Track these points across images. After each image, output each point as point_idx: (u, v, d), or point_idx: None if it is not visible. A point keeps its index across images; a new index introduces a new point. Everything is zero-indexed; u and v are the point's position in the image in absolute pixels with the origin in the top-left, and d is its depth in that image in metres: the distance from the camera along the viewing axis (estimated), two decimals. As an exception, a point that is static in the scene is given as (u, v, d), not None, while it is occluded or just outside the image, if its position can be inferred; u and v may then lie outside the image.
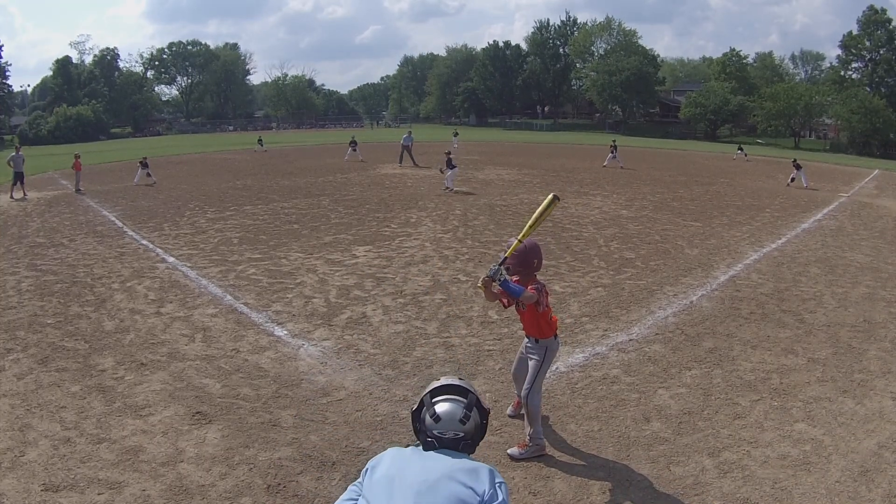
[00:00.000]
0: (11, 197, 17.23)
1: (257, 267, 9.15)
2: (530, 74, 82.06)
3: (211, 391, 5.13)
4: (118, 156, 34.35)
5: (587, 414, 4.82)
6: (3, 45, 78.31)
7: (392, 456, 2.16)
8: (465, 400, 2.24)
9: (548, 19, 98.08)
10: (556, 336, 4.26)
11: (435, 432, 2.20)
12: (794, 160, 22.64)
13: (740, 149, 36.76)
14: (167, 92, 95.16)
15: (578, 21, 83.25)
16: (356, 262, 9.46)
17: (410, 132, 28.70)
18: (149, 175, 20.80)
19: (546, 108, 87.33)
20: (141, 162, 21.46)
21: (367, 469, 2.15)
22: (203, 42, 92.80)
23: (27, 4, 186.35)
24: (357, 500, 2.11)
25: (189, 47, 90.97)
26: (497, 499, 2.03)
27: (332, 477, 3.95)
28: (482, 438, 2.29)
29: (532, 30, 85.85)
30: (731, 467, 4.10)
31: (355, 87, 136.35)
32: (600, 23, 77.30)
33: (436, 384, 2.30)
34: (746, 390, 5.25)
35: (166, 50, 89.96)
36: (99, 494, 3.74)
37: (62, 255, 10.08)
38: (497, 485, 2.07)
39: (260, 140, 37.85)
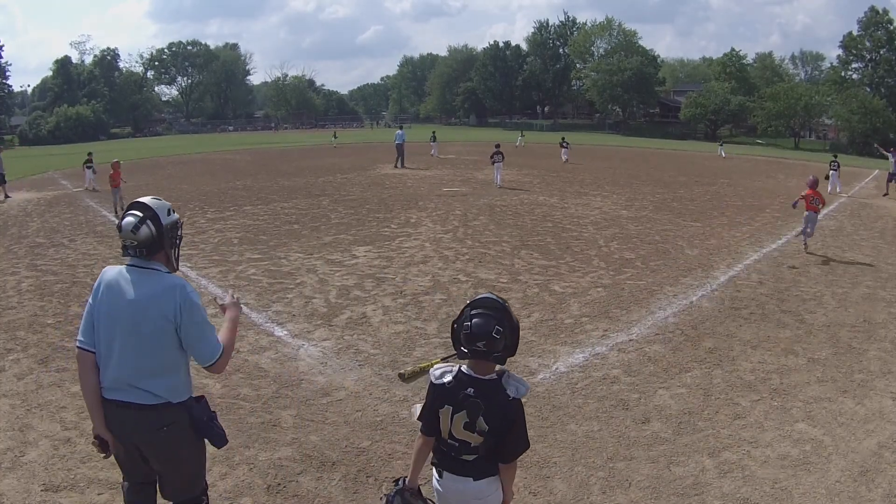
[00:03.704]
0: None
1: (257, 267, 9.15)
2: (530, 74, 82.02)
3: (211, 391, 5.12)
4: (119, 156, 34.27)
5: (587, 414, 4.82)
6: (3, 46, 78.32)
7: (108, 286, 2.59)
8: (140, 214, 2.57)
9: (547, 20, 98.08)
10: None
11: (121, 240, 2.60)
12: (835, 156, 21.32)
13: (721, 145, 37.96)
14: (167, 92, 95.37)
15: (578, 21, 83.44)
16: (356, 262, 9.46)
17: (402, 127, 29.15)
18: (89, 173, 18.75)
19: (546, 109, 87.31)
20: (86, 161, 19.38)
21: (96, 289, 2.61)
22: (203, 42, 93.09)
23: (28, 4, 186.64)
24: (93, 329, 2.60)
25: (189, 47, 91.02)
26: (183, 315, 2.54)
27: (332, 477, 3.95)
28: (163, 248, 2.63)
29: (532, 30, 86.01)
30: (731, 467, 4.10)
31: (356, 87, 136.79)
32: (600, 23, 77.31)
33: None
34: (746, 390, 5.25)
35: (166, 50, 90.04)
36: (99, 494, 3.74)
37: (62, 255, 10.08)
38: (185, 297, 2.57)
39: (335, 134, 42.36)
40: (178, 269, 2.77)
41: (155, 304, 2.53)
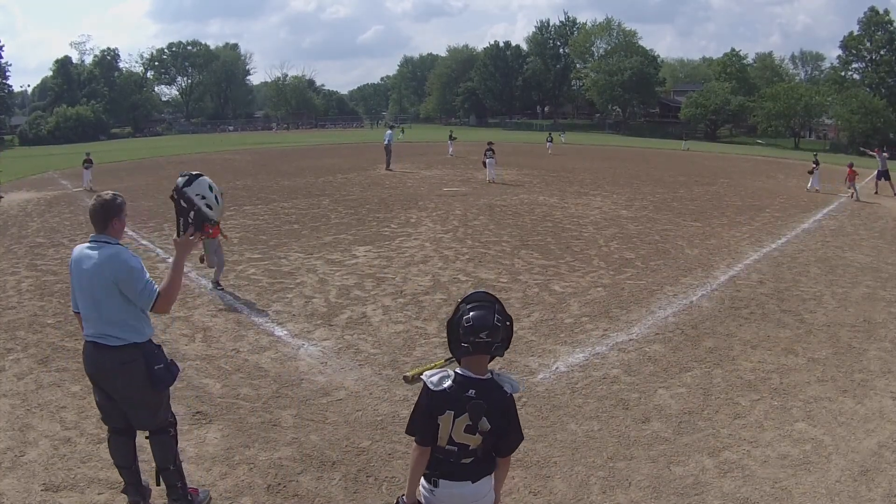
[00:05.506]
0: None
1: (257, 267, 9.15)
2: (531, 74, 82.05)
3: (211, 391, 5.13)
4: (119, 156, 34.39)
5: (587, 414, 4.82)
6: (3, 46, 78.27)
7: (75, 261, 3.30)
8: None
9: (548, 20, 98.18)
10: None
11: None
12: (815, 155, 21.75)
13: (685, 140, 40.96)
14: (167, 92, 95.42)
15: (578, 21, 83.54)
16: (356, 262, 9.46)
17: (392, 128, 29.45)
18: (87, 173, 18.93)
19: (546, 109, 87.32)
20: (85, 161, 19.40)
21: (70, 266, 3.33)
22: (203, 42, 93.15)
23: (28, 4, 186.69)
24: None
25: (189, 47, 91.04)
26: (120, 275, 3.16)
27: (332, 477, 3.95)
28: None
29: (533, 30, 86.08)
30: (731, 467, 4.09)
31: (356, 87, 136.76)
32: (600, 23, 77.36)
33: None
34: (746, 390, 5.25)
35: (166, 50, 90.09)
36: (99, 494, 3.74)
37: (62, 255, 10.08)
38: (121, 263, 3.19)
39: (402, 130, 44.73)
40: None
41: (101, 270, 3.20)
